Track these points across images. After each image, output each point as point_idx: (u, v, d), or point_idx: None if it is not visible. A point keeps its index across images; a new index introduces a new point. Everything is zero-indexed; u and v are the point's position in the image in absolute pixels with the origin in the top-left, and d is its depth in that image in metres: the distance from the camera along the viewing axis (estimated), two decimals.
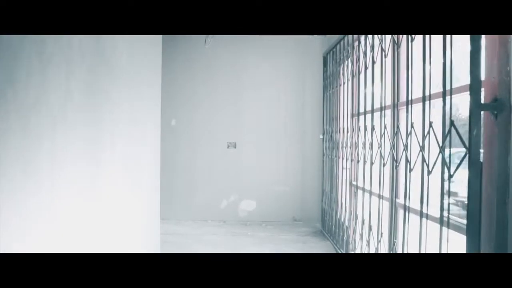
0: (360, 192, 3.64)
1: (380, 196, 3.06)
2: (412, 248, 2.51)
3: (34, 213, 1.73)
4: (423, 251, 2.31)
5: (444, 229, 2.09)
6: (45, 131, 1.83)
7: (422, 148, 2.35)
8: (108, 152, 2.59)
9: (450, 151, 2.02)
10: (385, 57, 3.01)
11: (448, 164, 2.04)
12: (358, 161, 3.64)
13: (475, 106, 1.79)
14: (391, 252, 2.81)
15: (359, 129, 3.62)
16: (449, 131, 2.00)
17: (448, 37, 2.05)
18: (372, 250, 3.18)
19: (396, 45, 2.85)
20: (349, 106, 4.11)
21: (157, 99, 3.72)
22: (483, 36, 1.80)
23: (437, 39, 2.20)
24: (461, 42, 2.08)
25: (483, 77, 1.84)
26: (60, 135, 1.95)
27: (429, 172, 2.25)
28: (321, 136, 5.34)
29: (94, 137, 2.37)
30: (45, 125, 1.82)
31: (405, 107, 2.66)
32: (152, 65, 3.59)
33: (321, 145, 5.39)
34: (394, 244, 2.81)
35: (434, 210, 2.34)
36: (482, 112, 1.81)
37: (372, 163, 3.22)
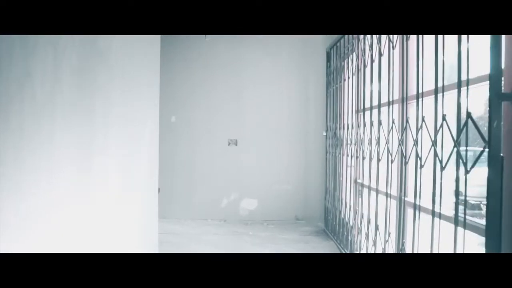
0: (365, 190, 3.51)
1: (387, 195, 2.93)
2: (422, 248, 2.38)
3: (31, 214, 1.70)
4: (435, 251, 2.18)
5: (459, 229, 1.97)
6: (41, 130, 1.78)
7: (434, 143, 2.22)
8: (104, 151, 2.52)
9: (466, 145, 1.89)
10: (393, 49, 2.88)
11: (464, 159, 1.91)
12: (363, 158, 3.51)
13: (495, 97, 1.66)
14: (400, 252, 2.68)
15: (364, 125, 3.48)
16: (466, 123, 1.87)
17: None
18: (379, 251, 3.05)
19: (405, 36, 2.72)
20: (354, 101, 3.98)
21: (156, 97, 3.63)
22: None
23: None
24: None
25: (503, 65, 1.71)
26: (56, 134, 1.90)
27: (442, 168, 2.12)
28: (324, 133, 5.21)
29: (89, 136, 2.31)
30: (40, 124, 1.77)
31: (414, 100, 2.53)
32: (151, 63, 3.51)
33: (324, 142, 5.25)
34: (403, 245, 2.68)
35: (443, 208, 2.21)
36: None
37: (379, 160, 3.09)
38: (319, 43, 5.39)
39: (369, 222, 3.30)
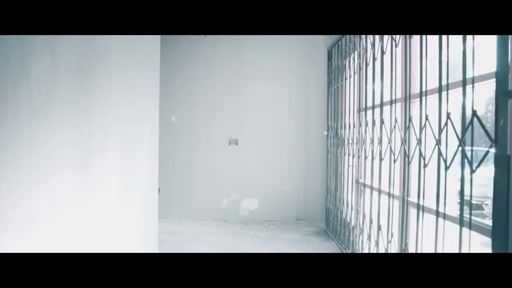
0: (367, 190, 3.48)
1: (390, 195, 2.89)
2: (426, 249, 2.35)
3: (31, 214, 1.69)
4: (439, 252, 2.14)
5: (464, 230, 1.93)
6: (39, 131, 1.76)
7: (438, 142, 2.18)
8: (103, 152, 2.50)
9: (472, 144, 1.85)
10: (396, 47, 2.84)
11: (469, 158, 1.87)
12: (366, 158, 3.47)
13: (502, 94, 1.63)
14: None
15: (366, 124, 3.45)
16: (471, 121, 1.83)
17: None
18: (382, 251, 3.02)
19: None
20: (356, 100, 3.94)
21: (156, 97, 3.60)
22: None
23: None
24: None
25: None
26: (54, 134, 1.88)
27: (446, 168, 2.09)
28: (326, 133, 5.18)
29: (88, 137, 2.29)
30: (39, 124, 1.75)
31: (418, 99, 2.50)
32: (150, 62, 3.49)
33: (326, 142, 5.22)
34: (406, 245, 2.64)
35: (447, 208, 2.18)
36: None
37: (381, 159, 3.05)
38: (320, 42, 5.36)
39: (371, 222, 3.27)
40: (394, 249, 2.83)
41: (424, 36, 2.39)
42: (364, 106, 3.59)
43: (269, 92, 5.58)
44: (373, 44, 3.30)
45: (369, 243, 3.34)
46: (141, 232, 3.30)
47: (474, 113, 1.81)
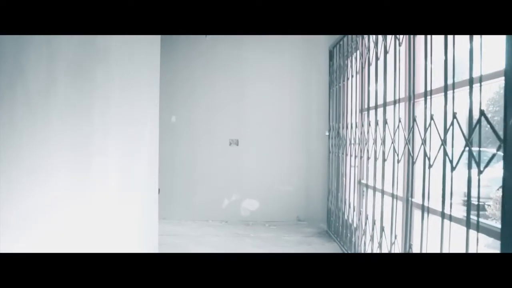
0: (370, 191, 3.44)
1: (393, 196, 2.85)
2: (431, 251, 2.31)
3: (31, 214, 1.69)
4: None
5: (470, 231, 1.89)
6: (37, 131, 1.74)
7: (444, 142, 2.15)
8: (102, 152, 2.48)
9: (480, 144, 1.81)
10: (399, 45, 2.80)
11: (476, 159, 1.83)
12: (368, 158, 3.43)
13: (511, 93, 1.59)
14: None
15: (369, 124, 3.41)
16: (479, 121, 1.79)
17: None
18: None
19: None
20: (358, 100, 3.90)
21: (156, 97, 3.57)
22: None
23: None
24: None
25: None
26: (52, 135, 1.86)
27: (452, 168, 2.05)
28: (327, 133, 5.14)
29: (87, 137, 2.27)
30: (36, 124, 1.73)
31: (422, 99, 2.46)
32: (151, 62, 3.46)
33: (327, 142, 5.18)
34: (410, 247, 2.60)
35: (451, 209, 2.14)
36: None
37: (384, 160, 3.01)
38: (321, 41, 5.32)
39: (374, 223, 3.23)
40: (397, 250, 2.79)
41: (429, 35, 2.35)
42: (366, 106, 3.55)
43: (270, 92, 5.54)
44: (376, 43, 3.26)
45: (372, 244, 3.30)
46: (141, 233, 3.26)
47: (482, 113, 1.77)
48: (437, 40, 2.29)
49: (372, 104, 3.40)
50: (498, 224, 1.87)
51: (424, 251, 2.36)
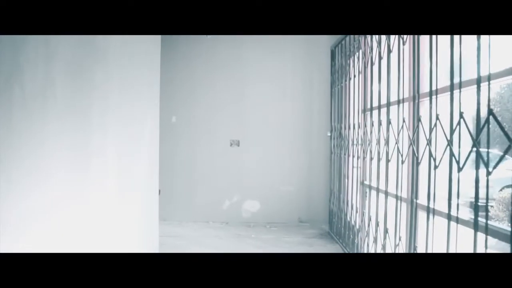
0: (373, 192, 3.39)
1: (397, 197, 2.80)
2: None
3: (30, 215, 1.69)
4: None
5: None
6: (34, 131, 1.71)
7: (450, 143, 2.10)
8: (101, 152, 2.44)
9: (488, 145, 1.77)
10: (403, 44, 2.76)
11: (485, 160, 1.79)
12: (371, 159, 3.39)
13: None
14: None
15: (372, 125, 3.36)
16: (487, 121, 1.75)
17: None
18: None
19: None
20: (361, 100, 3.86)
21: (156, 97, 3.53)
22: None
23: None
24: None
25: None
26: (50, 135, 1.84)
27: (459, 169, 2.00)
28: (329, 134, 5.09)
29: (86, 137, 2.24)
30: (33, 124, 1.70)
31: (427, 98, 2.42)
32: (151, 62, 3.42)
33: (328, 143, 5.13)
34: (415, 249, 2.56)
35: (454, 210, 2.09)
36: None
37: (388, 161, 2.96)
38: (323, 41, 5.28)
39: (377, 225, 3.18)
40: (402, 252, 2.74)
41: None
42: (369, 106, 3.50)
43: (271, 92, 5.50)
44: (379, 43, 3.22)
45: (375, 246, 3.25)
46: (141, 233, 3.23)
47: (491, 112, 1.73)
48: (443, 38, 2.25)
49: (375, 104, 3.36)
50: (501, 225, 1.84)
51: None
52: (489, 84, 1.78)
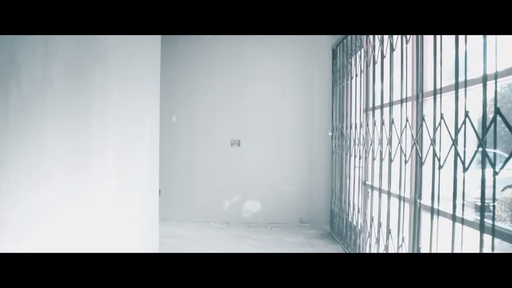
0: (375, 192, 3.36)
1: (400, 197, 2.77)
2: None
3: (30, 215, 1.68)
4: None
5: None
6: (32, 131, 1.69)
7: (455, 142, 2.07)
8: (101, 152, 2.40)
9: (495, 145, 1.73)
10: (407, 43, 2.72)
11: (492, 160, 1.75)
12: (374, 159, 3.35)
13: None
14: None
15: (374, 124, 3.33)
16: (493, 120, 1.71)
17: None
18: None
19: None
20: (363, 100, 3.83)
21: (156, 96, 3.50)
22: None
23: None
24: None
25: None
26: (49, 135, 1.81)
27: (464, 169, 1.97)
28: (330, 133, 5.05)
29: (85, 137, 2.21)
30: (32, 124, 1.68)
31: (431, 97, 2.38)
32: (151, 61, 3.39)
33: (330, 143, 5.10)
34: (418, 250, 2.52)
35: (458, 211, 2.06)
36: None
37: (391, 160, 2.93)
38: (324, 40, 5.24)
39: (379, 225, 3.15)
40: None
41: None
42: (371, 106, 3.47)
43: (272, 91, 5.46)
44: (381, 41, 3.18)
45: (378, 247, 3.22)
46: (141, 234, 3.20)
47: (498, 111, 1.69)
48: (447, 36, 2.21)
49: (377, 103, 3.33)
50: (504, 225, 1.81)
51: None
52: (496, 83, 1.74)
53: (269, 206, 5.44)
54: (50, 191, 1.82)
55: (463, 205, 1.99)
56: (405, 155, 2.70)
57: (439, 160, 2.24)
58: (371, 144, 3.44)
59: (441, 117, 2.20)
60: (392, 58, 2.96)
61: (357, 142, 3.95)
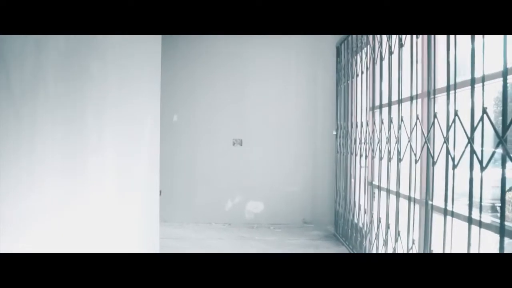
0: (383, 193, 3.26)
1: (410, 198, 2.67)
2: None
3: (30, 215, 1.66)
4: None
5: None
6: (23, 127, 1.62)
7: (471, 141, 1.97)
8: (99, 152, 2.31)
9: None
10: (417, 38, 2.62)
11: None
12: (381, 158, 3.25)
13: None
14: None
15: (382, 122, 3.23)
16: None
17: None
18: None
19: None
20: (370, 98, 3.73)
21: (157, 95, 3.41)
22: None
23: None
24: None
25: None
26: (48, 135, 1.77)
27: (482, 169, 1.87)
28: (335, 132, 4.95)
29: (81, 135, 2.13)
30: (22, 121, 1.60)
31: (443, 93, 2.29)
32: (151, 60, 3.31)
33: (334, 142, 5.00)
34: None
35: (475, 212, 1.96)
36: None
37: (400, 160, 2.83)
38: (328, 37, 5.14)
39: (388, 227, 3.05)
40: None
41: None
42: (378, 104, 3.37)
43: (275, 90, 5.36)
44: (389, 37, 3.08)
45: (385, 249, 3.12)
46: (141, 235, 3.12)
47: None
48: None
49: (385, 101, 3.23)
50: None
51: None
52: None
53: (271, 207, 5.34)
54: (50, 191, 1.78)
55: (480, 206, 1.89)
56: (415, 154, 2.60)
57: (453, 159, 2.14)
58: (378, 143, 3.34)
59: (456, 114, 2.10)
60: (401, 54, 2.86)
61: (362, 141, 3.85)
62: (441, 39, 2.40)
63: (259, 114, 5.36)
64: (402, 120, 2.80)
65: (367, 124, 3.72)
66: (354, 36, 4.11)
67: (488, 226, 1.94)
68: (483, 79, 1.88)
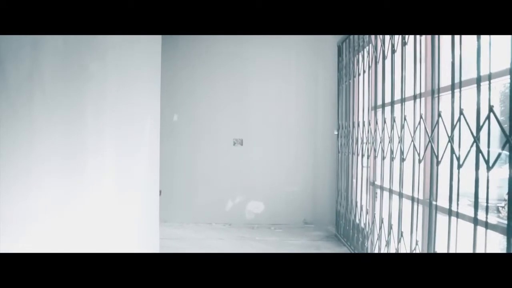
0: (385, 193, 3.22)
1: (413, 198, 2.64)
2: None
3: (29, 215, 1.65)
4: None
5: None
6: (20, 127, 1.60)
7: (477, 140, 1.93)
8: (98, 152, 2.29)
9: None
10: (420, 35, 2.59)
11: None
12: (383, 158, 3.22)
13: None
14: None
15: (384, 122, 3.19)
16: None
17: None
18: None
19: None
20: (372, 97, 3.69)
21: (157, 95, 3.37)
22: None
23: None
24: None
25: None
26: (47, 135, 1.76)
27: (488, 168, 1.84)
28: (336, 132, 4.92)
29: (83, 136, 2.13)
30: (19, 120, 1.59)
31: (448, 92, 2.25)
32: (151, 59, 3.27)
33: (335, 142, 4.97)
34: None
35: (480, 213, 1.93)
36: None
37: (403, 159, 2.80)
38: (329, 36, 5.10)
39: (390, 228, 3.01)
40: None
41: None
42: (380, 103, 3.34)
43: (275, 89, 5.32)
44: (391, 35, 3.05)
45: (388, 249, 3.08)
46: (141, 235, 3.08)
47: None
48: None
49: (387, 100, 3.19)
50: None
51: None
52: None
53: (272, 207, 5.31)
54: (49, 191, 1.77)
55: (487, 207, 1.85)
56: (419, 154, 2.57)
57: (458, 159, 2.11)
58: (380, 142, 3.30)
59: (461, 113, 2.07)
60: (404, 53, 2.83)
61: (364, 140, 3.81)
62: (445, 36, 2.37)
63: (259, 114, 5.33)
64: (405, 119, 2.77)
65: (369, 124, 3.69)
66: (355, 35, 4.07)
67: (494, 227, 1.91)
68: (490, 77, 1.84)
